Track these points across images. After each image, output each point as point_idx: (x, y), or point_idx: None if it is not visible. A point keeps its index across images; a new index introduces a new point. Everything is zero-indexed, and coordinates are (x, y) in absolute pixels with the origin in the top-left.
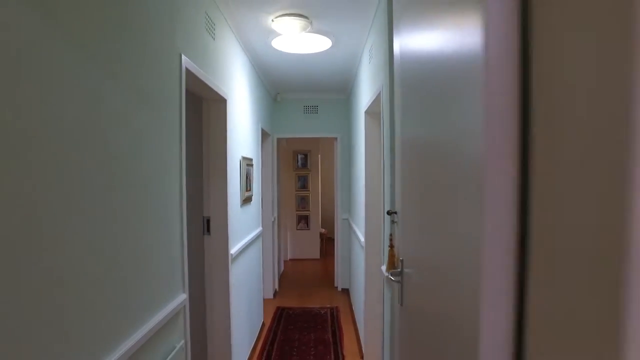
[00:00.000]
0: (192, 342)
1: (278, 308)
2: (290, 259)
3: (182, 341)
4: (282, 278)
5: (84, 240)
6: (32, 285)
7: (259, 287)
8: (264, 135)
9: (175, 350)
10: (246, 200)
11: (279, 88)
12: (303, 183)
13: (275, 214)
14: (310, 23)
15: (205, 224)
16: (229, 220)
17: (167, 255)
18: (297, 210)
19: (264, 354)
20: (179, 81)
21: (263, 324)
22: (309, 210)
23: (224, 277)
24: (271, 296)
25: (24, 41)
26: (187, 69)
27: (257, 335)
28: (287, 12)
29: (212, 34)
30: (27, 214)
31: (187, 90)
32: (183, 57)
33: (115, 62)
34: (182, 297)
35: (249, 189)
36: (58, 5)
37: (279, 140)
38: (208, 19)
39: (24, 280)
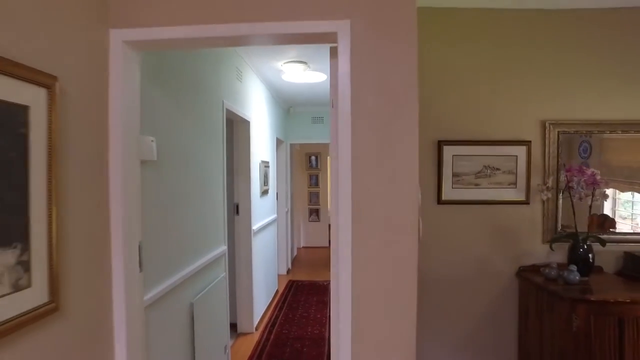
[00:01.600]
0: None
1: (290, 281)
2: (303, 247)
3: (224, 274)
4: (295, 261)
5: (191, 208)
6: (185, 221)
7: (274, 260)
8: (279, 142)
9: (219, 278)
10: (264, 193)
11: (291, 103)
12: (315, 181)
13: (289, 206)
14: (309, 66)
15: (235, 208)
16: (251, 206)
17: (216, 222)
18: (309, 205)
19: (277, 307)
20: (222, 116)
21: (277, 291)
22: (319, 205)
23: (248, 243)
24: (285, 272)
25: (152, 101)
26: (226, 108)
27: (272, 297)
28: (292, 60)
29: (240, 79)
30: (181, 194)
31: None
32: (224, 101)
33: (194, 110)
34: (223, 247)
35: (266, 184)
36: (167, 79)
37: (292, 145)
38: (237, 70)
39: (184, 220)
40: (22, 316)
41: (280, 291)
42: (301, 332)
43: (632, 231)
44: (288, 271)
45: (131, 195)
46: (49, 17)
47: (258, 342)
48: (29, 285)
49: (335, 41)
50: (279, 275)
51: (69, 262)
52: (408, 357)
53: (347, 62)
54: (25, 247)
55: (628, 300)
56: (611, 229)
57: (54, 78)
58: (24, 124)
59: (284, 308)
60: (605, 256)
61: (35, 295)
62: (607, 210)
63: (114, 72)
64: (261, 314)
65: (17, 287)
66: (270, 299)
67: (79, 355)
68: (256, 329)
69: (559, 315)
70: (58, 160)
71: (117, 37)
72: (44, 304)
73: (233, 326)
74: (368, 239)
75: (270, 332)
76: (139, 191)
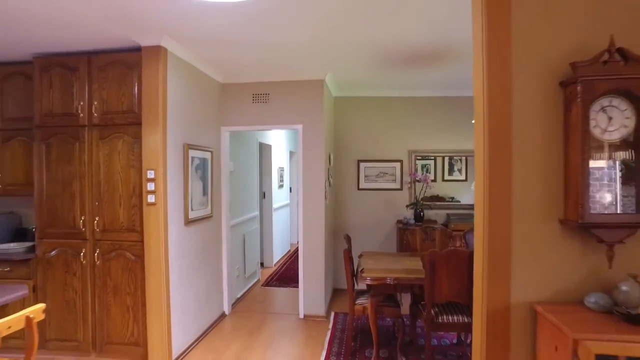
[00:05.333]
0: (259, 233)
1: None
2: None
3: (257, 226)
4: None
5: (246, 189)
6: (244, 194)
7: (288, 231)
8: (292, 154)
9: (255, 228)
10: (280, 186)
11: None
12: None
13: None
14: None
15: (263, 194)
16: (272, 194)
17: (255, 199)
18: None
19: (287, 258)
20: (257, 145)
21: (288, 250)
22: None
23: (270, 215)
24: (295, 242)
25: (233, 148)
26: (259, 142)
27: (285, 252)
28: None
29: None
30: (241, 182)
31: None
32: (257, 139)
33: (246, 145)
34: (257, 212)
35: (281, 181)
36: (237, 138)
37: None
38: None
39: (244, 193)
40: (207, 217)
41: (291, 251)
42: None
43: (449, 203)
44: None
45: (225, 188)
46: (206, 125)
47: (275, 272)
48: (207, 207)
49: (297, 129)
50: (290, 244)
51: (223, 202)
52: (322, 257)
53: (302, 137)
54: (206, 195)
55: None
56: (438, 202)
57: (211, 149)
58: (208, 164)
59: (291, 258)
60: (439, 216)
61: (208, 210)
62: (435, 192)
63: (224, 144)
64: (277, 259)
65: (205, 207)
66: (284, 253)
67: (215, 237)
68: (275, 265)
69: (412, 234)
70: (217, 175)
71: (224, 130)
72: (209, 215)
73: (260, 264)
74: (309, 209)
75: (281, 267)
76: (228, 185)
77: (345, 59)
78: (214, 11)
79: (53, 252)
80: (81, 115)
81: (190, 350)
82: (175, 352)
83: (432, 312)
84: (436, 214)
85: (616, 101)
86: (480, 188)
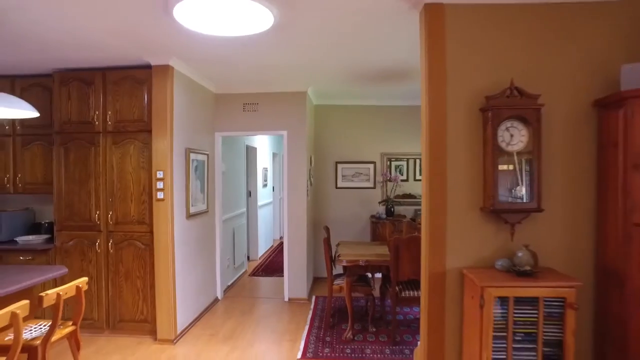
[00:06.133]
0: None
1: (281, 238)
2: None
3: (244, 222)
4: None
5: (235, 188)
6: (233, 192)
7: (271, 227)
8: (274, 155)
9: (242, 223)
10: (264, 186)
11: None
12: None
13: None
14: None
15: (248, 193)
16: (257, 192)
17: (241, 197)
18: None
19: (271, 252)
20: (244, 148)
21: (272, 246)
22: None
23: (255, 211)
24: (278, 238)
25: (224, 152)
26: (246, 145)
27: (269, 247)
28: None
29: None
30: (231, 182)
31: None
32: (245, 142)
33: (236, 147)
34: (244, 208)
35: (265, 181)
36: (228, 144)
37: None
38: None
39: (233, 192)
40: (204, 212)
41: (274, 246)
42: (280, 259)
43: (417, 200)
44: (281, 237)
45: (219, 186)
46: (202, 131)
47: (260, 264)
48: (204, 203)
49: (283, 134)
50: (273, 239)
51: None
52: (304, 247)
53: (286, 143)
54: (203, 192)
55: (401, 230)
56: (409, 199)
57: (207, 152)
58: (204, 165)
59: (275, 252)
60: (408, 211)
61: (204, 206)
62: (407, 190)
63: (217, 148)
64: (262, 252)
65: (202, 203)
66: (268, 248)
67: (210, 230)
68: (260, 258)
69: (383, 227)
70: (212, 175)
71: (217, 135)
72: (205, 210)
73: (247, 257)
74: (293, 205)
75: (266, 260)
76: (220, 184)
77: (325, 76)
78: (216, 41)
79: (70, 243)
80: (97, 123)
81: (191, 327)
82: (179, 328)
83: (397, 288)
84: (405, 210)
85: (515, 123)
86: (425, 186)
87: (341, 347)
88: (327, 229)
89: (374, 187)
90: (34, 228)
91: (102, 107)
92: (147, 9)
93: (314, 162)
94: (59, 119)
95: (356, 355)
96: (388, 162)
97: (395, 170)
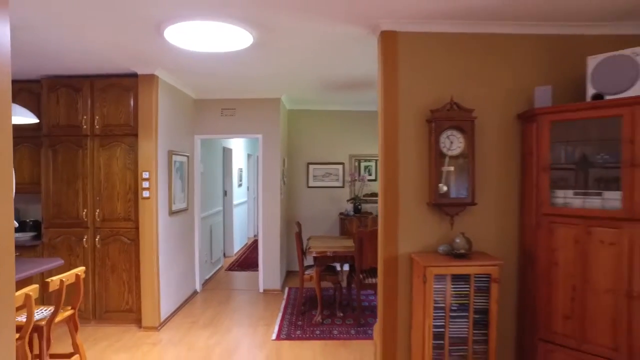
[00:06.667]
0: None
1: (255, 236)
2: None
3: (221, 220)
4: None
5: (212, 187)
6: (210, 191)
7: (246, 225)
8: (249, 156)
9: (219, 221)
10: (239, 185)
11: None
12: None
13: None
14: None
15: (224, 192)
16: (233, 192)
17: (219, 196)
18: None
19: (246, 249)
20: (221, 149)
21: (246, 243)
22: None
23: (231, 210)
24: (252, 235)
25: (203, 152)
26: (223, 147)
27: (244, 244)
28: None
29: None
30: (209, 181)
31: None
32: (222, 144)
33: (214, 149)
34: (221, 207)
35: (240, 181)
36: (207, 145)
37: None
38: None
39: (210, 190)
40: (184, 210)
41: (248, 243)
42: (254, 256)
43: None
44: (255, 235)
45: (198, 186)
46: (183, 134)
47: (235, 260)
48: (185, 201)
49: (258, 137)
50: (248, 237)
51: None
52: (278, 242)
53: (261, 146)
54: (184, 191)
55: (367, 225)
56: (375, 197)
57: (187, 154)
58: (185, 166)
59: (249, 249)
60: (374, 208)
61: (185, 204)
62: (375, 189)
63: (196, 150)
64: (237, 249)
65: (183, 201)
66: (242, 245)
67: (190, 227)
68: (235, 254)
69: (351, 223)
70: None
71: (197, 137)
72: (185, 208)
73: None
74: (267, 203)
75: (241, 256)
76: (199, 183)
77: (297, 85)
78: (200, 55)
79: (58, 239)
80: (84, 127)
81: (173, 316)
82: (163, 316)
83: (361, 276)
84: (372, 207)
85: (454, 132)
86: (381, 184)
87: (311, 329)
88: (298, 224)
89: (343, 187)
90: (19, 226)
91: (89, 112)
92: (141, 29)
93: (287, 163)
94: (47, 123)
95: (325, 335)
96: (357, 163)
97: (365, 171)
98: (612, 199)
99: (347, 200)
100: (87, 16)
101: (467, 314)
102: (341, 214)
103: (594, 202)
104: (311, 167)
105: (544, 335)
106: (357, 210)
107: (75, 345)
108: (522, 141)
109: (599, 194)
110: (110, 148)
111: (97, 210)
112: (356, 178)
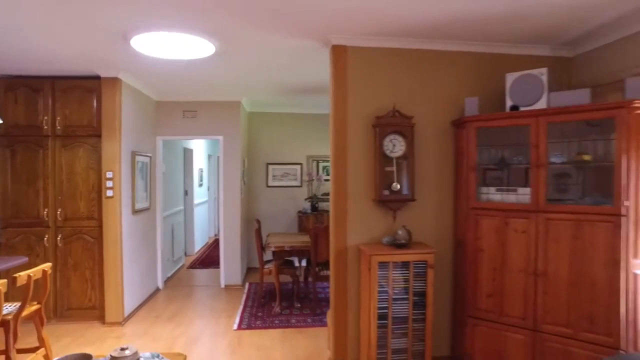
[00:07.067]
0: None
1: (216, 235)
2: None
3: (182, 219)
4: None
5: (174, 187)
6: (172, 192)
7: (207, 224)
8: (210, 156)
9: (180, 220)
10: (200, 185)
11: None
12: None
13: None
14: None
15: (185, 192)
16: (194, 192)
17: (180, 196)
18: None
19: (206, 247)
20: (182, 150)
21: (207, 242)
22: None
23: (192, 210)
24: (213, 235)
25: (165, 154)
26: (184, 148)
27: (205, 242)
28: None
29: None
30: (171, 181)
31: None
32: (182, 145)
33: (175, 150)
34: (182, 206)
35: (201, 181)
36: (169, 146)
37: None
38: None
39: (172, 191)
40: (147, 209)
41: (209, 242)
42: (215, 254)
43: None
44: (215, 234)
45: (160, 186)
46: (146, 135)
47: (197, 258)
48: (147, 201)
49: (219, 139)
50: (209, 237)
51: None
52: (238, 239)
53: (222, 147)
54: (146, 191)
55: (322, 222)
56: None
57: (149, 155)
58: (147, 167)
59: (210, 248)
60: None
61: (147, 203)
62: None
63: (158, 151)
64: (198, 248)
65: (146, 201)
66: (203, 244)
67: (152, 226)
68: (196, 253)
69: (308, 220)
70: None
71: (159, 138)
72: (148, 207)
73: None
74: (228, 202)
75: (202, 255)
76: (161, 183)
77: (256, 89)
78: (164, 61)
79: (17, 239)
80: (45, 127)
81: (137, 312)
82: (127, 312)
83: (316, 268)
84: (328, 205)
85: (396, 136)
86: (332, 182)
87: (271, 319)
88: (258, 222)
89: (301, 186)
90: None
91: (50, 113)
92: (109, 37)
93: (247, 163)
94: (4, 123)
95: (283, 324)
96: (316, 163)
97: (323, 171)
98: (524, 195)
99: (305, 199)
100: (56, 21)
101: (407, 296)
102: (299, 212)
103: (510, 197)
104: (270, 167)
105: (472, 312)
106: (314, 208)
107: (40, 339)
108: (455, 144)
109: (514, 190)
110: (73, 148)
111: (59, 210)
112: (313, 178)
